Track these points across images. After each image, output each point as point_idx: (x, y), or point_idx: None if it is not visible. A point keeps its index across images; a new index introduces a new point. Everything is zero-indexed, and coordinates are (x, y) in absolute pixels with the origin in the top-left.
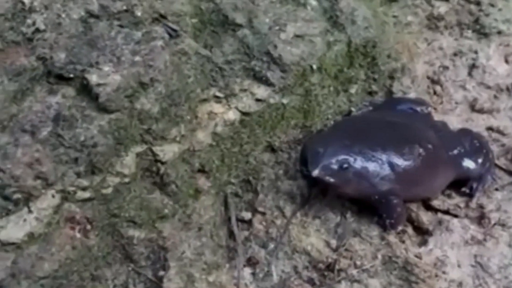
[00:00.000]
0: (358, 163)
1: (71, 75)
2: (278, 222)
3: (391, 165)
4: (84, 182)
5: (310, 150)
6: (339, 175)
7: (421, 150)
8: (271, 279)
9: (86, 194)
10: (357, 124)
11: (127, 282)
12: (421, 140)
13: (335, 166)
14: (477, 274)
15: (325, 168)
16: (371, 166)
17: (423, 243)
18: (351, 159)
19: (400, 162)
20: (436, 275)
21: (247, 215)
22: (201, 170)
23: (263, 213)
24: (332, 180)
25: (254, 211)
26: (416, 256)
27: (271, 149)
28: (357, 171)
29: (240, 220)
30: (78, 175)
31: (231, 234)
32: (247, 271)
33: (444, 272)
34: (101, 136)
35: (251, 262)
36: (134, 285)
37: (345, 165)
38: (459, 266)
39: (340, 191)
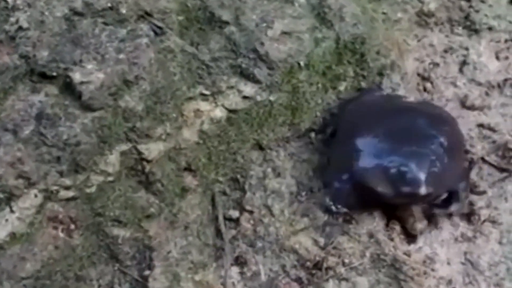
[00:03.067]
0: (437, 165)
1: (54, 74)
2: (266, 220)
3: (442, 160)
4: (67, 181)
5: (391, 169)
6: (431, 183)
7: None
8: (259, 278)
9: (70, 193)
10: (401, 124)
11: (113, 282)
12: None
13: (428, 176)
14: (467, 271)
15: (427, 181)
16: (443, 165)
17: (412, 240)
18: (435, 162)
19: (443, 155)
20: (425, 273)
21: (234, 213)
22: (188, 169)
23: (251, 212)
24: (431, 190)
25: (242, 209)
26: (405, 253)
27: (259, 147)
28: (437, 174)
29: (228, 219)
30: (61, 174)
31: (218, 233)
32: (234, 270)
33: (433, 270)
34: (84, 135)
35: (238, 261)
36: (120, 285)
37: (434, 169)
38: (448, 263)
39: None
